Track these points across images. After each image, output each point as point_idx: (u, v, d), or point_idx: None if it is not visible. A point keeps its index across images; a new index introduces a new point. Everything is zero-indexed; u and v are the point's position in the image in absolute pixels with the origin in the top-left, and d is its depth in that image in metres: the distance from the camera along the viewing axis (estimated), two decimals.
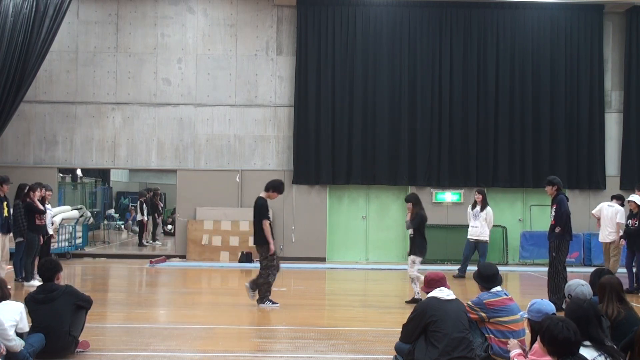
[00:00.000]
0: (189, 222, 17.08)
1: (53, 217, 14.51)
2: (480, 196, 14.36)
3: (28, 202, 12.03)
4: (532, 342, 5.26)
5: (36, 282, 10.71)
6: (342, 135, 17.19)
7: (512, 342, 5.84)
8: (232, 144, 17.47)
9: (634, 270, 12.25)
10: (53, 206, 14.99)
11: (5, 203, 11.60)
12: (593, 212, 13.77)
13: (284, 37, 17.60)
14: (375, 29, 17.34)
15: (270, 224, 10.02)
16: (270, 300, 9.97)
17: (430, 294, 6.12)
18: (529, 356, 5.06)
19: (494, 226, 15.00)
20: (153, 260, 16.02)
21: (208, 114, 17.48)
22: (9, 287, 6.58)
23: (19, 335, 6.17)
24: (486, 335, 6.22)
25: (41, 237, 12.38)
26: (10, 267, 12.52)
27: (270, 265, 9.93)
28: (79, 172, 23.97)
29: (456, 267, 14.60)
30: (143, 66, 17.50)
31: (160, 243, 21.47)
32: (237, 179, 17.31)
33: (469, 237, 14.40)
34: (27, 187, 12.24)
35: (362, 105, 17.21)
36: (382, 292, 12.79)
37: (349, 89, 17.25)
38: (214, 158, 17.44)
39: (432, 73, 17.35)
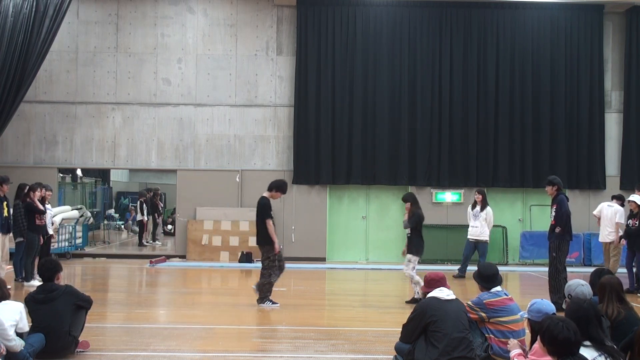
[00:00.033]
0: (189, 222, 17.08)
1: (53, 217, 14.51)
2: (480, 196, 14.36)
3: (28, 202, 12.03)
4: (532, 342, 5.26)
5: (36, 282, 10.72)
6: (342, 135, 17.19)
7: (512, 342, 5.84)
8: (232, 144, 17.47)
9: (634, 270, 12.24)
10: (53, 206, 14.99)
11: (5, 203, 11.60)
12: (594, 212, 13.77)
13: (284, 37, 17.60)
14: (375, 29, 17.34)
15: (273, 223, 10.03)
16: (270, 300, 9.97)
17: (430, 294, 6.12)
18: (529, 356, 5.06)
19: (494, 226, 14.99)
20: (153, 260, 16.02)
21: (208, 114, 17.48)
22: (8, 287, 6.58)
23: (19, 335, 6.17)
24: (486, 335, 6.22)
25: (41, 237, 12.38)
26: (10, 267, 12.52)
27: (271, 265, 9.93)
28: (79, 172, 23.97)
29: (456, 267, 14.59)
30: (143, 66, 17.50)
31: (160, 243, 21.47)
32: (237, 179, 17.32)
33: (469, 237, 14.39)
34: (27, 187, 12.24)
35: (362, 105, 17.22)
36: (382, 292, 12.79)
37: (349, 89, 17.25)
38: (214, 158, 17.45)
39: (432, 73, 17.35)
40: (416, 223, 10.54)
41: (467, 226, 14.57)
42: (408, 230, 10.62)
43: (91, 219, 20.52)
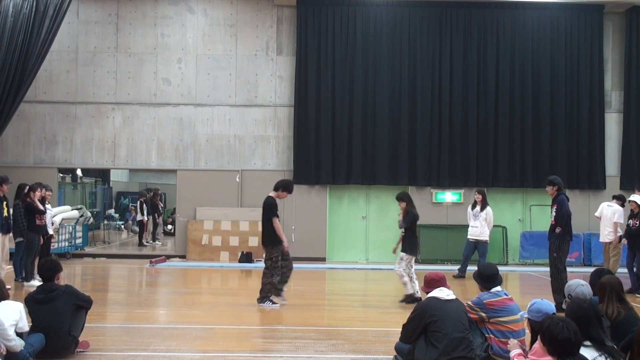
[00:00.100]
0: (189, 222, 17.08)
1: (53, 217, 14.51)
2: (480, 196, 14.36)
3: (28, 202, 12.03)
4: (532, 342, 5.27)
5: (36, 282, 10.72)
6: (342, 135, 17.19)
7: (512, 342, 5.85)
8: (232, 144, 17.47)
9: (635, 270, 12.23)
10: (53, 206, 14.98)
11: (5, 203, 11.60)
12: (595, 214, 13.77)
13: (284, 37, 17.60)
14: (375, 29, 17.34)
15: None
16: (271, 301, 9.98)
17: (430, 294, 6.12)
18: (529, 356, 5.06)
19: (494, 226, 14.99)
20: (153, 260, 16.02)
21: (208, 114, 17.48)
22: (8, 287, 6.58)
23: (19, 335, 6.17)
24: (486, 335, 6.22)
25: (41, 237, 12.37)
26: (10, 267, 12.52)
27: (274, 266, 9.94)
28: (79, 172, 23.97)
29: (456, 267, 14.59)
30: (143, 66, 17.50)
31: (160, 243, 21.47)
32: (237, 179, 17.32)
33: (469, 237, 14.39)
34: (27, 187, 12.23)
35: (362, 105, 17.22)
36: (382, 292, 12.78)
37: (349, 89, 17.25)
38: (214, 158, 17.45)
39: (432, 73, 17.35)
40: (411, 222, 10.57)
41: (467, 226, 14.56)
42: (403, 230, 10.65)
43: (91, 219, 20.52)
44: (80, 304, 6.79)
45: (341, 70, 17.26)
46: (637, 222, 12.12)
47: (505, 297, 6.31)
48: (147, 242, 20.84)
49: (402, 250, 10.58)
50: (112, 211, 27.46)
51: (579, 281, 5.89)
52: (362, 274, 15.44)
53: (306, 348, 7.30)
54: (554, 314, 5.18)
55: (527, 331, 5.92)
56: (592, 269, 6.85)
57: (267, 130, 17.51)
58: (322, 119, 17.16)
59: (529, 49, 17.49)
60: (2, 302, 6.21)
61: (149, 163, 17.62)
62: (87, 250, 18.43)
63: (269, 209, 10.01)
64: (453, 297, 6.08)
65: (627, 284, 11.55)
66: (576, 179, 17.43)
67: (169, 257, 17.04)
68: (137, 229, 22.62)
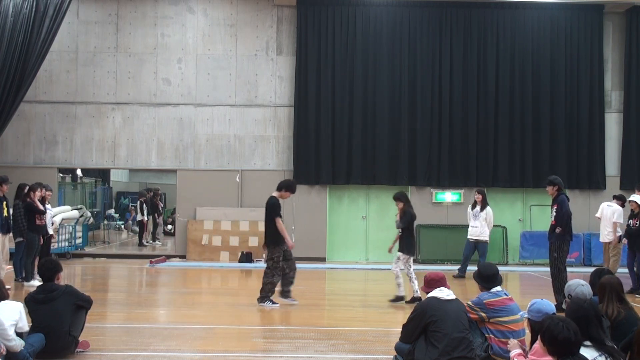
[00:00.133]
0: (189, 222, 17.08)
1: (53, 217, 14.51)
2: (480, 196, 14.35)
3: (28, 202, 12.02)
4: (532, 342, 5.26)
5: (36, 282, 10.72)
6: (342, 135, 17.19)
7: (512, 342, 5.85)
8: (232, 144, 17.47)
9: (635, 269, 12.23)
10: (53, 206, 14.98)
11: (4, 203, 11.60)
12: (596, 215, 13.76)
13: (284, 37, 17.60)
14: (375, 29, 17.34)
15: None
16: (271, 300, 9.98)
17: (430, 294, 6.12)
18: (529, 356, 5.06)
19: (494, 226, 14.99)
20: (153, 260, 16.02)
21: (208, 114, 17.48)
22: (8, 287, 6.58)
23: (19, 335, 6.17)
24: (486, 335, 6.22)
25: (41, 237, 12.37)
26: (10, 267, 12.52)
27: (275, 266, 9.95)
28: (79, 172, 23.97)
29: (456, 267, 14.58)
30: (143, 66, 17.50)
31: (160, 243, 21.47)
32: (237, 179, 17.31)
33: (468, 237, 14.39)
34: (27, 187, 12.23)
35: (362, 105, 17.22)
36: (382, 292, 12.73)
37: (349, 89, 17.25)
38: (214, 158, 17.45)
39: (432, 73, 17.35)
40: (408, 222, 10.59)
41: (467, 226, 14.56)
42: (400, 229, 10.68)
43: (91, 219, 20.52)
44: (80, 304, 6.79)
45: (341, 70, 17.26)
46: (637, 222, 12.12)
47: (505, 297, 6.31)
48: (147, 242, 20.84)
49: (399, 250, 10.60)
50: (112, 211, 27.46)
51: (579, 281, 5.88)
52: (362, 274, 15.44)
53: (306, 348, 7.30)
54: (554, 314, 5.18)
55: (527, 331, 5.92)
56: (592, 269, 6.85)
57: (267, 130, 17.51)
58: (322, 119, 17.16)
59: (529, 49, 17.49)
60: (2, 302, 6.21)
61: (149, 163, 17.62)
62: (87, 250, 18.43)
63: (272, 209, 10.03)
64: (453, 297, 6.08)
65: (627, 284, 11.55)
66: (576, 179, 17.43)
67: (169, 257, 17.04)
68: (137, 229, 22.62)
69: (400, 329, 6.22)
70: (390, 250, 11.15)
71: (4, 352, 5.93)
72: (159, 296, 12.07)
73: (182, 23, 17.56)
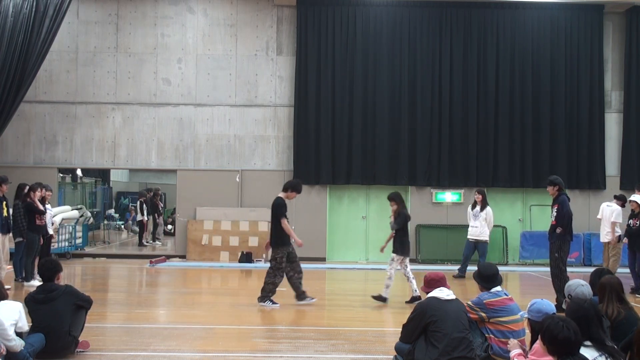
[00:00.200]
0: (189, 222, 17.07)
1: (53, 217, 14.51)
2: (480, 196, 14.35)
3: (28, 202, 12.03)
4: (532, 342, 5.26)
5: (36, 282, 10.72)
6: (342, 135, 17.19)
7: (512, 342, 5.85)
8: (232, 144, 17.47)
9: (636, 269, 12.23)
10: (53, 206, 14.98)
11: (4, 203, 11.60)
12: (597, 216, 13.75)
13: (284, 37, 17.60)
14: (375, 29, 17.34)
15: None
16: (271, 300, 9.99)
17: (430, 294, 6.12)
18: (529, 356, 5.06)
19: (494, 226, 14.98)
20: (153, 260, 16.02)
21: (208, 114, 17.48)
22: (7, 287, 6.58)
23: (19, 335, 6.17)
24: (486, 335, 6.22)
25: (41, 237, 12.37)
26: (10, 267, 12.52)
27: (278, 267, 9.98)
28: (79, 172, 23.97)
29: (456, 267, 14.58)
30: (143, 66, 17.50)
31: (160, 243, 21.47)
32: (237, 179, 17.31)
33: (468, 237, 14.38)
34: (27, 187, 12.23)
35: (362, 105, 17.22)
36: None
37: (349, 89, 17.25)
38: (214, 158, 17.44)
39: (432, 73, 17.35)
40: (402, 223, 10.60)
41: (467, 226, 14.56)
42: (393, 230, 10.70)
43: (91, 219, 20.52)
44: (80, 304, 6.79)
45: (341, 70, 17.26)
46: (638, 222, 12.11)
47: (505, 297, 6.31)
48: (147, 242, 20.84)
49: (393, 251, 10.63)
50: (112, 211, 27.45)
51: (579, 281, 5.88)
52: (362, 274, 15.44)
53: (306, 348, 7.30)
54: (553, 313, 5.18)
55: (527, 331, 5.92)
56: (592, 269, 6.85)
57: (267, 130, 17.51)
58: (322, 119, 17.16)
59: (529, 49, 17.49)
60: (2, 302, 6.21)
61: (149, 163, 17.62)
62: (87, 250, 18.43)
63: (278, 209, 10.04)
64: (453, 297, 6.08)
65: (628, 284, 11.54)
66: (576, 179, 17.43)
67: (169, 257, 17.04)
68: (137, 229, 22.62)
69: (400, 329, 6.22)
70: (382, 250, 11.17)
71: (4, 352, 5.93)
72: (159, 296, 12.06)
73: (182, 23, 17.56)
